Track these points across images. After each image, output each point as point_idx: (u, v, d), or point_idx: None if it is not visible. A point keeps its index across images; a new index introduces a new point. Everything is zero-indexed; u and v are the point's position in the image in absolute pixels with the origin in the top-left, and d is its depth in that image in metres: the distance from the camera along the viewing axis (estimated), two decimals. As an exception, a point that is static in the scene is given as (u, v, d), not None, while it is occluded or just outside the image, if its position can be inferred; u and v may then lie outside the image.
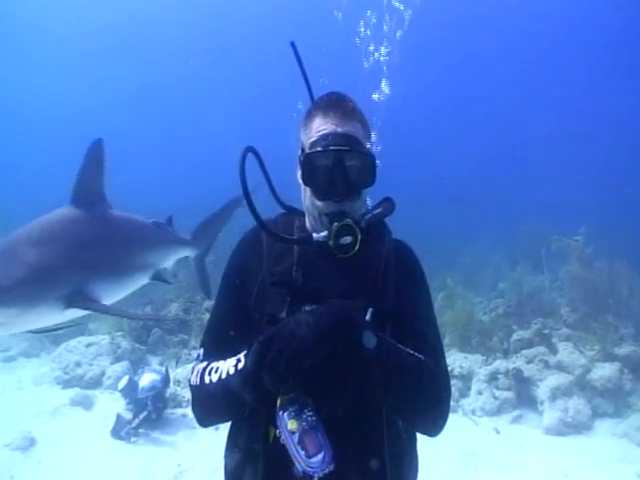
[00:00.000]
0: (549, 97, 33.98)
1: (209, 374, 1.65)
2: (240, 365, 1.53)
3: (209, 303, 10.08)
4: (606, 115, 31.53)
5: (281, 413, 1.45)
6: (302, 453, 1.41)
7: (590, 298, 9.10)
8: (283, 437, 1.45)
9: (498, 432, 6.70)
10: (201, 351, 1.81)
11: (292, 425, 1.42)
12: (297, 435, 1.42)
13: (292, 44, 2.06)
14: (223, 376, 1.59)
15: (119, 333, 8.70)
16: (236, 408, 1.65)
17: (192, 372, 1.76)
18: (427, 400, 1.64)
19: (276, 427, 1.49)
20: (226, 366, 1.59)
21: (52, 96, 43.83)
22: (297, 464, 1.42)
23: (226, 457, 1.84)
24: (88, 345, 8.24)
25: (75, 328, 9.62)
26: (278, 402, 1.46)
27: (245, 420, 1.70)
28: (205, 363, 1.72)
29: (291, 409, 1.44)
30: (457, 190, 19.51)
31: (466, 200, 18.58)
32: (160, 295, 11.19)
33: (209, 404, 1.72)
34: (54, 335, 9.49)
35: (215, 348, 1.77)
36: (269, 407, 1.50)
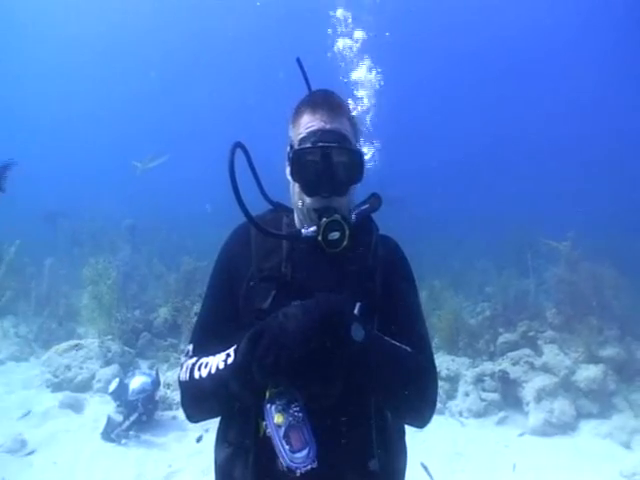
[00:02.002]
0: (540, 99, 34.25)
1: (199, 369, 1.66)
2: (230, 360, 1.55)
3: (199, 307, 10.11)
4: (598, 118, 31.80)
5: (268, 406, 1.46)
6: (287, 447, 1.43)
7: (575, 301, 9.22)
8: (269, 430, 1.46)
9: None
10: (190, 347, 1.82)
11: (278, 419, 1.44)
12: (283, 429, 1.44)
13: (298, 60, 2.08)
14: (213, 371, 1.60)
15: (109, 337, 8.70)
16: (226, 403, 1.66)
17: (181, 368, 1.77)
18: (414, 391, 1.66)
19: (264, 420, 1.50)
20: (215, 361, 1.61)
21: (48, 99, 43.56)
22: (281, 458, 1.44)
23: (216, 452, 1.86)
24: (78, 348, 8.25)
25: (64, 331, 9.71)
26: (267, 395, 1.48)
27: (235, 415, 1.72)
28: (194, 359, 1.74)
29: (278, 402, 1.46)
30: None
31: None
32: (150, 298, 11.23)
33: (199, 399, 1.73)
34: (43, 339, 9.53)
35: (204, 344, 1.78)
36: (259, 402, 1.51)
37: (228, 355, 1.57)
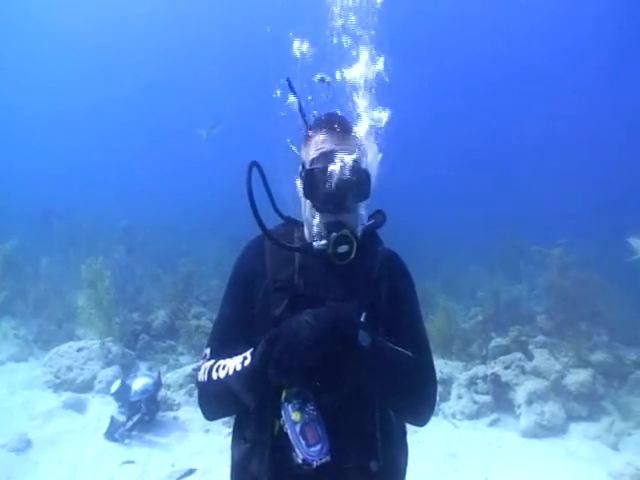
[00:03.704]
0: (533, 106, 34.48)
1: (216, 371, 1.80)
2: (247, 362, 1.70)
3: (196, 310, 10.27)
4: (590, 126, 32.07)
5: (286, 405, 1.64)
6: (303, 442, 1.59)
7: (565, 306, 9.42)
8: (286, 426, 1.63)
9: None
10: (208, 350, 1.95)
11: (296, 416, 1.61)
12: (299, 426, 1.61)
13: (287, 80, 2.15)
14: (230, 372, 1.74)
15: (109, 338, 8.80)
16: (243, 402, 1.76)
17: (200, 370, 1.91)
18: (415, 392, 1.83)
19: (280, 418, 1.67)
20: (233, 363, 1.75)
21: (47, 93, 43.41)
22: (298, 452, 1.60)
23: (233, 448, 1.99)
24: (79, 350, 8.33)
25: (63, 332, 9.79)
26: (283, 395, 1.65)
27: (252, 414, 1.84)
28: (212, 361, 1.87)
29: (295, 401, 1.63)
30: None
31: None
32: (146, 301, 11.32)
33: (217, 399, 1.86)
34: (43, 340, 9.61)
35: (221, 347, 1.92)
36: (274, 401, 1.68)
37: (245, 358, 1.72)
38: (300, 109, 2.14)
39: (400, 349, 1.80)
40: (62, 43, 39.79)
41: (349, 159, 1.86)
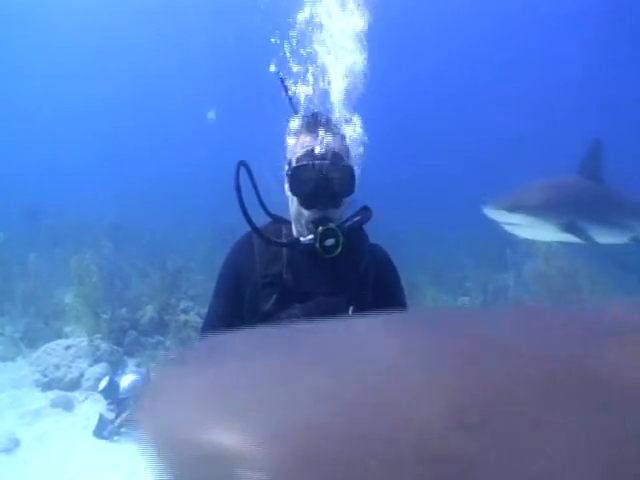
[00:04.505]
0: (521, 93, 34.59)
1: None
2: None
3: (184, 304, 10.24)
4: (577, 116, 32.20)
5: None
6: None
7: (552, 294, 9.47)
8: None
9: None
10: None
11: None
12: None
13: (278, 75, 2.16)
14: None
15: (97, 335, 8.75)
16: None
17: None
18: None
19: None
20: None
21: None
22: None
23: None
24: (67, 347, 8.29)
25: (50, 330, 9.73)
26: None
27: None
28: None
29: None
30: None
31: None
32: (134, 297, 11.27)
33: None
34: (30, 338, 9.54)
35: None
36: None
37: None
38: (291, 105, 2.15)
39: None
40: (54, 41, 39.45)
41: (334, 156, 1.91)
